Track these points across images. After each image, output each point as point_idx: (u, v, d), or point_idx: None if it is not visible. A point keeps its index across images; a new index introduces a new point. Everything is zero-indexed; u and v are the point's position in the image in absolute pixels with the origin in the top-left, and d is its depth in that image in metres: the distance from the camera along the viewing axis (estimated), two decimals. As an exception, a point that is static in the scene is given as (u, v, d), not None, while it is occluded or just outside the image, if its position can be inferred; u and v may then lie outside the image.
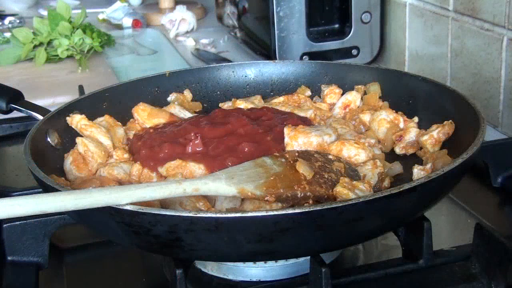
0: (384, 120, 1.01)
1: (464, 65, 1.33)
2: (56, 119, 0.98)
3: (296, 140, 0.91)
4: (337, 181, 0.81)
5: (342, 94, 1.11)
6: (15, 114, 1.17)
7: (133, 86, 1.12)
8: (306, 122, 1.00)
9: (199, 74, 1.18)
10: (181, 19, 2.13)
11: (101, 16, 2.27)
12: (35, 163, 0.81)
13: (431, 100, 1.01)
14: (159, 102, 1.12)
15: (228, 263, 0.84)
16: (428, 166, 0.89)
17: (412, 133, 0.98)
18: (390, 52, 1.62)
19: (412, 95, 1.05)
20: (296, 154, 0.85)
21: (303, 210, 0.67)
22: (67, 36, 1.81)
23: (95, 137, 0.96)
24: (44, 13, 2.21)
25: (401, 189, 0.70)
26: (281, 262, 0.83)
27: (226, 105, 1.12)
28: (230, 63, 1.23)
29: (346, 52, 1.61)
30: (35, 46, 1.82)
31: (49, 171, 0.83)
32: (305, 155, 0.85)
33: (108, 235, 0.83)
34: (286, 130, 0.93)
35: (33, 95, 1.24)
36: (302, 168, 0.80)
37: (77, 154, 0.93)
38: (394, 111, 1.03)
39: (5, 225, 0.88)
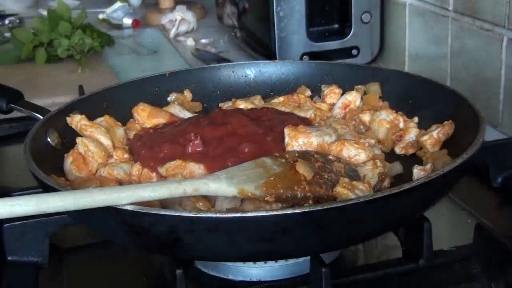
0: (384, 120, 1.01)
1: (464, 65, 1.33)
2: (56, 119, 0.98)
3: (297, 140, 0.91)
4: (337, 182, 0.81)
5: (342, 94, 1.11)
6: (15, 114, 1.17)
7: (133, 86, 1.12)
8: (306, 122, 1.00)
9: (199, 74, 1.18)
10: (181, 19, 2.12)
11: (101, 16, 2.27)
12: (35, 163, 0.81)
13: (431, 100, 1.01)
14: (159, 102, 1.12)
15: (228, 263, 0.84)
16: (428, 166, 0.89)
17: (412, 133, 0.98)
18: (390, 52, 1.62)
19: (412, 95, 1.05)
20: (296, 154, 0.85)
21: (303, 210, 0.67)
22: (67, 36, 1.81)
23: (95, 137, 0.96)
24: (44, 13, 2.21)
25: (401, 189, 0.70)
26: (281, 262, 0.83)
27: (226, 105, 1.12)
28: (230, 63, 1.23)
29: (346, 52, 1.61)
30: (35, 46, 1.82)
31: (49, 171, 0.83)
32: (305, 156, 0.85)
33: (108, 235, 0.83)
34: (286, 130, 0.93)
35: (33, 95, 1.24)
36: (302, 169, 0.80)
37: (77, 154, 0.93)
38: (394, 111, 1.03)
39: (5, 225, 0.88)
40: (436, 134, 0.94)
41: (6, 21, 2.27)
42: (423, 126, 0.99)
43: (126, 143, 1.00)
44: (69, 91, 1.50)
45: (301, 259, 0.83)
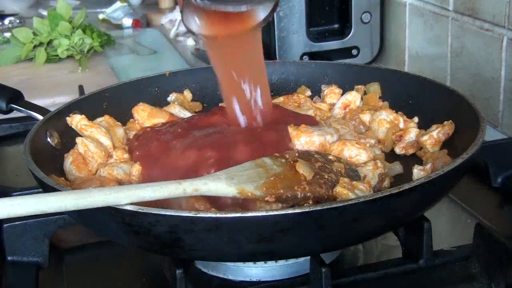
0: (384, 120, 1.01)
1: (464, 65, 1.33)
2: (56, 119, 0.98)
3: (299, 140, 0.91)
4: (337, 182, 0.81)
5: (342, 94, 1.11)
6: (15, 114, 1.17)
7: (133, 86, 1.12)
8: (311, 120, 0.99)
9: (199, 74, 1.18)
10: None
11: (101, 16, 2.27)
12: (35, 163, 0.81)
13: (431, 100, 1.01)
14: (159, 102, 1.12)
15: (228, 263, 0.84)
16: (428, 166, 0.89)
17: (412, 133, 0.98)
18: (390, 52, 1.62)
19: (412, 95, 1.05)
20: (296, 154, 0.85)
21: (303, 210, 0.67)
22: (67, 36, 1.81)
23: (95, 137, 0.96)
24: (44, 13, 2.21)
25: (401, 189, 0.70)
26: (281, 262, 0.83)
27: (226, 105, 1.12)
28: (230, 63, 1.23)
29: (346, 52, 1.61)
30: (35, 46, 1.82)
31: (49, 171, 0.83)
32: (305, 156, 0.85)
33: (108, 235, 0.83)
34: (289, 129, 0.93)
35: (33, 95, 1.24)
36: (302, 169, 0.80)
37: (77, 154, 0.93)
38: (394, 111, 1.03)
39: (5, 225, 0.88)
40: (436, 134, 0.94)
41: (6, 21, 2.27)
42: (423, 126, 0.99)
43: (126, 143, 1.00)
44: (69, 91, 1.50)
45: (301, 259, 0.83)
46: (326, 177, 0.82)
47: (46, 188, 0.77)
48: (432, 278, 0.82)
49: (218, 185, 0.74)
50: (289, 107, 1.07)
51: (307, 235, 0.70)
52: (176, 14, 2.14)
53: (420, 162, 0.94)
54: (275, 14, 1.54)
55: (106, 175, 0.89)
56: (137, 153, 0.93)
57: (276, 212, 0.67)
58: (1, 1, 2.46)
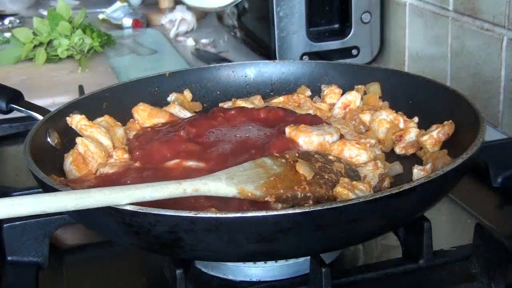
0: (384, 120, 1.01)
1: (464, 65, 1.33)
2: (56, 119, 0.98)
3: (297, 139, 0.91)
4: (337, 182, 0.81)
5: (342, 94, 1.11)
6: (15, 114, 1.17)
7: (133, 86, 1.12)
8: (316, 120, 0.99)
9: (199, 74, 1.18)
10: (181, 19, 2.12)
11: (101, 16, 2.27)
12: (35, 163, 0.81)
13: (431, 100, 1.01)
14: (159, 102, 1.12)
15: (228, 263, 0.84)
16: (428, 166, 0.89)
17: (412, 133, 0.98)
18: (390, 52, 1.62)
19: (412, 95, 1.05)
20: (296, 154, 0.85)
21: (303, 210, 0.67)
22: (67, 36, 1.81)
23: (95, 137, 0.96)
24: (44, 13, 2.21)
25: (401, 189, 0.70)
26: (281, 262, 0.83)
27: (226, 105, 1.12)
28: (230, 63, 1.23)
29: (346, 52, 1.61)
30: (35, 46, 1.81)
31: (49, 171, 0.83)
32: (305, 156, 0.85)
33: (108, 235, 0.83)
34: (287, 129, 0.93)
35: (33, 95, 1.24)
36: (302, 169, 0.80)
37: (77, 154, 0.93)
38: (394, 111, 1.03)
39: (5, 225, 0.88)
40: (436, 134, 0.94)
41: (6, 21, 2.27)
42: (423, 126, 0.99)
43: (126, 143, 1.00)
44: (69, 91, 1.50)
45: (301, 259, 0.83)
46: (326, 177, 0.82)
47: (46, 188, 0.77)
48: (432, 278, 0.82)
49: (218, 185, 0.74)
50: (289, 107, 1.07)
51: (307, 235, 0.70)
52: (176, 14, 2.14)
53: (420, 162, 0.94)
54: (275, 14, 1.55)
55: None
56: (137, 153, 0.93)
57: (276, 212, 0.67)
58: (1, 1, 2.46)
